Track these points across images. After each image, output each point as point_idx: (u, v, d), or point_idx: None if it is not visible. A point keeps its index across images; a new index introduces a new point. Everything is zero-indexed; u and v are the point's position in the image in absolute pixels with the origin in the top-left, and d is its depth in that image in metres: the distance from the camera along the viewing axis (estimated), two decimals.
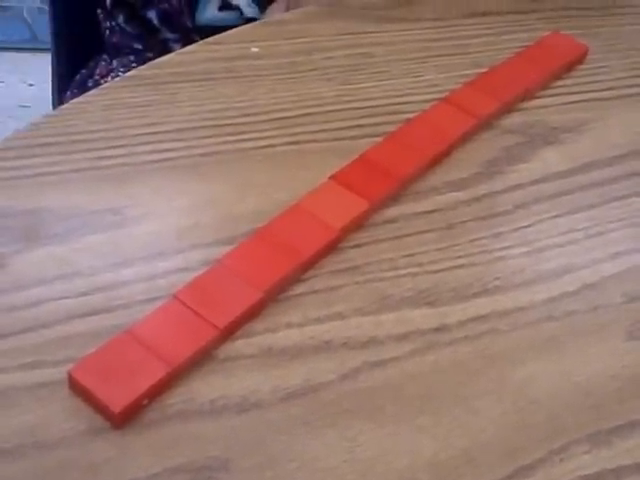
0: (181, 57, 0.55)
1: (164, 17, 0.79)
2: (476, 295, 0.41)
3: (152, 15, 0.79)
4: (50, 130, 0.47)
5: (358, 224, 0.43)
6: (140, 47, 0.81)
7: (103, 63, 0.82)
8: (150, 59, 0.54)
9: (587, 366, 0.38)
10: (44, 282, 0.38)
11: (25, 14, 1.77)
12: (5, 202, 0.42)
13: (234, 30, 0.58)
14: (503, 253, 0.43)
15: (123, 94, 0.51)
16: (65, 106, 0.49)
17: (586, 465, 0.34)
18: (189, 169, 0.46)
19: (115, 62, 0.81)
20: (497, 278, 0.42)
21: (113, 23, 0.81)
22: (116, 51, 0.82)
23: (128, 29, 0.81)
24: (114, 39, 0.81)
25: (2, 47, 1.80)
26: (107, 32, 0.82)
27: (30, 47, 1.77)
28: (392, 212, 0.44)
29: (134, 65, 0.77)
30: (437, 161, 0.48)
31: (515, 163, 0.49)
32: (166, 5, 0.77)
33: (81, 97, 0.50)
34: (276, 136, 0.49)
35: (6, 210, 0.41)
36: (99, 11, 0.82)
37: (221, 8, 0.78)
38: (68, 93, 0.82)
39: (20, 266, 0.39)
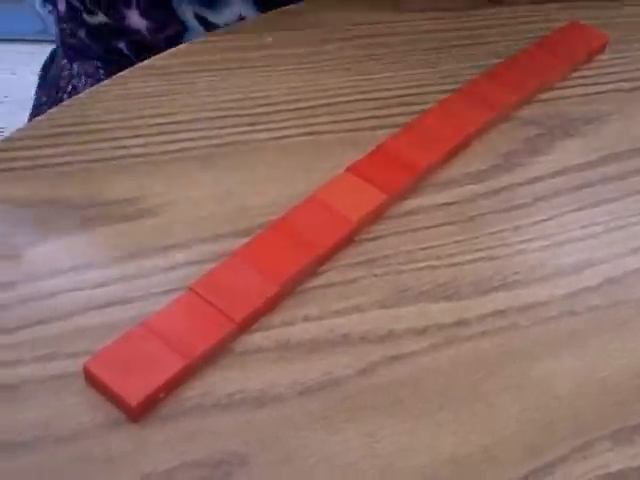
0: (196, 46, 0.54)
1: (136, 48, 0.67)
2: (496, 289, 0.40)
3: (122, 46, 0.67)
4: (65, 120, 0.46)
5: (375, 216, 0.42)
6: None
7: (66, 72, 0.70)
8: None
9: (609, 362, 0.37)
10: (60, 273, 0.38)
11: (37, 6, 1.77)
12: (20, 192, 0.41)
13: (249, 19, 0.57)
14: (523, 246, 0.42)
15: (138, 84, 0.50)
16: (79, 96, 0.49)
17: (609, 463, 0.33)
18: (205, 160, 0.45)
19: (75, 66, 0.69)
20: (517, 272, 0.41)
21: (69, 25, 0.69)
22: (76, 54, 0.70)
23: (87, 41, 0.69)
24: (72, 40, 0.67)
25: (14, 39, 1.80)
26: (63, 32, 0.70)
27: (42, 39, 1.76)
28: (410, 204, 0.44)
29: (101, 72, 0.68)
30: (455, 153, 0.47)
31: (535, 155, 0.48)
32: (138, 37, 0.65)
33: (95, 87, 0.50)
34: (292, 127, 0.48)
35: (21, 200, 0.41)
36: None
37: None
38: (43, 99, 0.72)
39: (36, 257, 0.38)
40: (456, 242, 0.42)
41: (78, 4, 0.64)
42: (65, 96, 0.69)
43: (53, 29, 0.72)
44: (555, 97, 0.53)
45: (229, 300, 0.36)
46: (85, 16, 0.48)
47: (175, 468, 0.32)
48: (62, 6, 0.67)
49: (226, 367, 0.35)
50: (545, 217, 0.44)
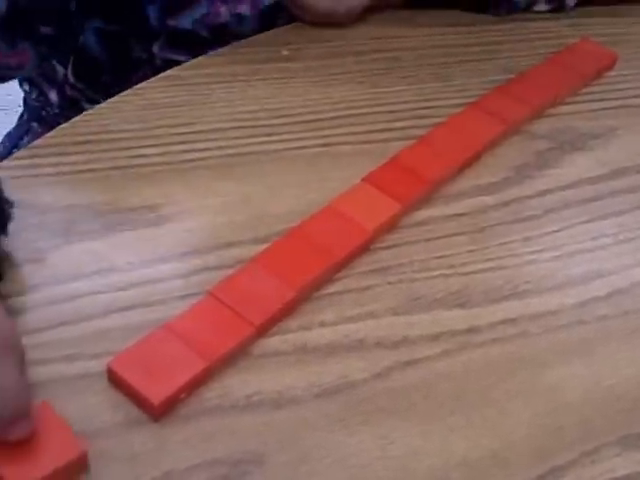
0: (214, 59, 0.55)
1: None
2: (507, 298, 0.41)
3: (53, 96, 0.69)
4: (87, 128, 0.48)
5: (390, 225, 0.44)
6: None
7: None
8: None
9: (617, 371, 0.38)
10: (82, 277, 0.39)
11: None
12: (44, 198, 0.42)
13: (265, 33, 0.58)
14: (533, 257, 0.43)
15: (157, 94, 0.51)
16: (101, 105, 0.50)
17: (617, 467, 0.34)
18: (222, 169, 0.46)
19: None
20: (527, 282, 0.42)
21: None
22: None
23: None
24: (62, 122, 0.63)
25: None
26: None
27: None
28: (423, 214, 0.45)
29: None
30: (467, 165, 0.48)
31: (544, 168, 0.49)
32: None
33: (116, 97, 0.51)
34: (308, 138, 0.49)
35: (46, 206, 0.42)
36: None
37: None
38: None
39: (59, 261, 0.39)
40: (468, 252, 0.43)
41: (77, 94, 0.65)
42: None
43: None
44: (565, 112, 0.54)
45: (248, 305, 0.37)
46: (85, 105, 0.50)
47: (195, 466, 0.33)
48: (54, 96, 0.68)
49: (244, 369, 0.36)
50: (555, 229, 0.45)
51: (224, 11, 0.57)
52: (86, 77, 0.64)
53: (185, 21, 0.56)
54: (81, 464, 0.31)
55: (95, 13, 0.56)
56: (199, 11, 0.56)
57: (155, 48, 0.58)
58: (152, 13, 0.57)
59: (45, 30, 0.50)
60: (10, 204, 0.37)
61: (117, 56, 0.60)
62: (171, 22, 0.57)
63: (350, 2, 0.58)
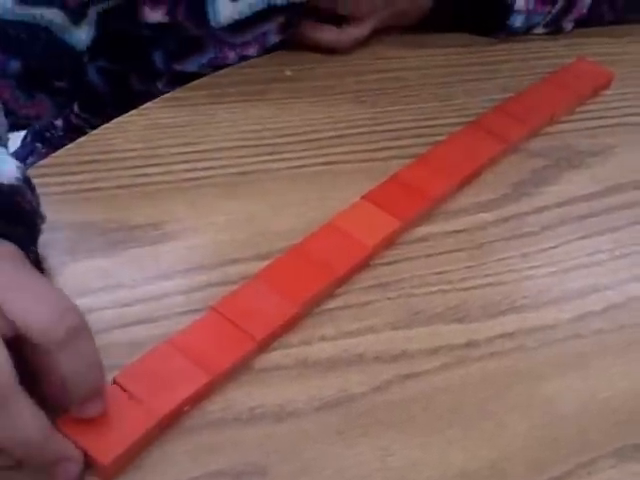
0: (217, 79, 0.56)
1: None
2: (504, 312, 0.42)
3: (57, 122, 0.71)
4: (93, 148, 0.49)
5: (390, 242, 0.44)
6: None
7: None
8: None
9: (613, 384, 0.39)
10: (89, 293, 0.40)
11: None
12: (52, 216, 0.43)
13: (269, 55, 0.59)
14: (530, 272, 0.44)
15: (162, 114, 0.52)
16: (106, 125, 0.51)
17: (613, 479, 0.35)
18: (226, 187, 0.47)
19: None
20: (525, 297, 0.43)
21: None
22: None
23: None
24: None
25: None
26: None
27: None
28: (423, 231, 0.46)
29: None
30: (466, 182, 0.49)
31: (542, 186, 0.50)
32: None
33: (121, 117, 0.52)
34: (309, 157, 0.50)
35: (53, 224, 0.43)
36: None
37: None
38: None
39: (66, 277, 0.40)
40: (466, 267, 0.44)
41: (82, 122, 0.67)
42: None
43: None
44: (562, 130, 0.55)
45: (250, 320, 0.38)
46: (89, 131, 0.52)
47: (198, 478, 0.33)
48: (59, 122, 0.70)
49: (247, 383, 0.37)
50: (552, 245, 0.46)
51: (232, 56, 0.58)
52: (91, 109, 0.66)
53: (191, 65, 0.57)
54: (156, 432, 0.34)
55: (101, 55, 0.57)
56: (206, 56, 0.57)
57: (159, 85, 0.59)
58: (157, 58, 0.58)
59: (59, 84, 0.52)
60: (42, 219, 0.39)
61: (120, 90, 0.61)
62: (177, 67, 0.58)
63: (353, 34, 0.59)
